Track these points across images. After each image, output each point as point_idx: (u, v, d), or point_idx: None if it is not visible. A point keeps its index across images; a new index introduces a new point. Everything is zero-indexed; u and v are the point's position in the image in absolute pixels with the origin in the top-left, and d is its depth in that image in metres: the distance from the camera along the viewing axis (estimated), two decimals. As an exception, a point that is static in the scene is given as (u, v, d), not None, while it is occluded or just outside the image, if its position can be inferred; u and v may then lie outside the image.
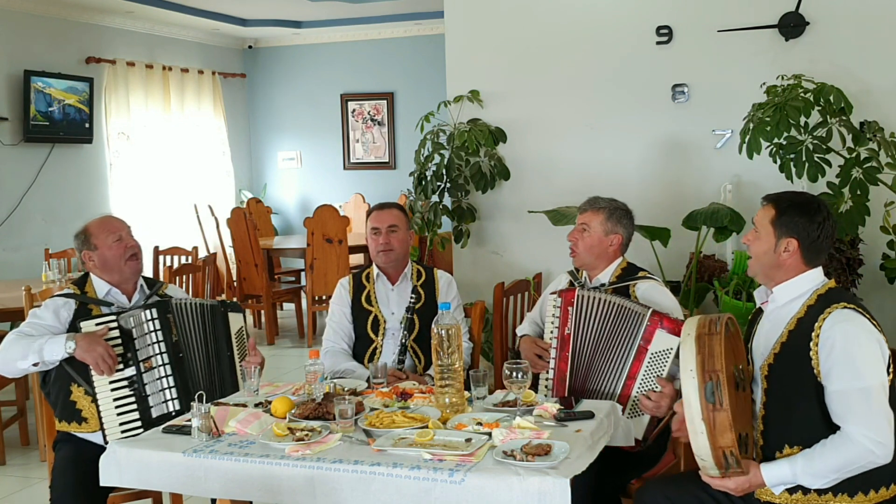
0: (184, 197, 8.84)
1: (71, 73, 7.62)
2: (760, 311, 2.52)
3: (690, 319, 2.27)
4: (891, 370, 2.28)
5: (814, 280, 2.40)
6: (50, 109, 7.34)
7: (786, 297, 2.40)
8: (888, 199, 4.16)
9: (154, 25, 8.68)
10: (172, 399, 2.93)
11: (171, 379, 2.94)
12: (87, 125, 7.73)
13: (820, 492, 2.26)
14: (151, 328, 2.96)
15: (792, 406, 2.32)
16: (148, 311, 2.97)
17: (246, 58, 10.16)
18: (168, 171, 8.80)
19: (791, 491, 2.28)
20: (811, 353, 2.28)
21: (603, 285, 3.16)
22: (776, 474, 2.26)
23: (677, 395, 2.76)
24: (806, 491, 2.27)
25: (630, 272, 3.18)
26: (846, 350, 2.23)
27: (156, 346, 2.96)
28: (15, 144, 7.16)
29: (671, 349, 2.85)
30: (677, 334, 2.82)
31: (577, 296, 3.04)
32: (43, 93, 7.26)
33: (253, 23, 9.33)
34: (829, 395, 2.25)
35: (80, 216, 7.64)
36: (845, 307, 2.30)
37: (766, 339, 2.41)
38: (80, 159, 7.84)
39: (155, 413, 2.91)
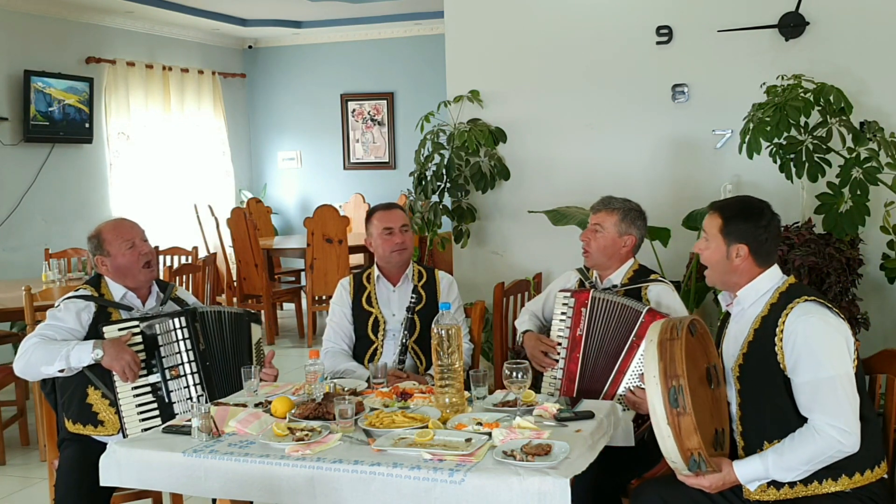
0: (184, 197, 8.84)
1: (71, 73, 7.62)
2: (728, 315, 2.57)
3: (654, 325, 2.32)
4: (855, 359, 2.32)
5: (773, 279, 2.46)
6: (50, 109, 7.34)
7: (750, 299, 2.46)
8: (888, 199, 4.16)
9: (154, 25, 8.68)
10: None
11: (199, 388, 2.96)
12: (87, 125, 7.73)
13: (805, 481, 2.29)
14: (180, 336, 2.98)
15: (765, 403, 2.37)
16: (177, 320, 2.98)
17: (246, 58, 10.16)
18: (168, 171, 8.80)
19: (778, 486, 2.31)
20: (776, 347, 2.33)
21: (615, 286, 3.15)
22: (749, 471, 2.30)
23: None
24: (793, 484, 2.30)
25: (642, 274, 3.18)
26: (808, 342, 2.28)
27: (184, 354, 2.97)
28: (15, 144, 7.16)
29: None
30: None
31: (592, 297, 3.03)
32: (43, 93, 7.26)
33: (253, 23, 9.33)
34: (796, 387, 2.30)
35: (80, 216, 7.67)
36: (807, 300, 2.35)
37: (735, 340, 2.47)
38: (80, 159, 7.84)
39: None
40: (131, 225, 3.20)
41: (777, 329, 2.33)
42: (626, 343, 2.94)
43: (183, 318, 2.99)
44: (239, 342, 3.12)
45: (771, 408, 2.35)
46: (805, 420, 2.28)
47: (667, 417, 2.16)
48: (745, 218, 2.47)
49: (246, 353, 3.13)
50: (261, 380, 3.10)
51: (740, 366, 2.41)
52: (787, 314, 2.33)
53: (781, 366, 2.32)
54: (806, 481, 2.29)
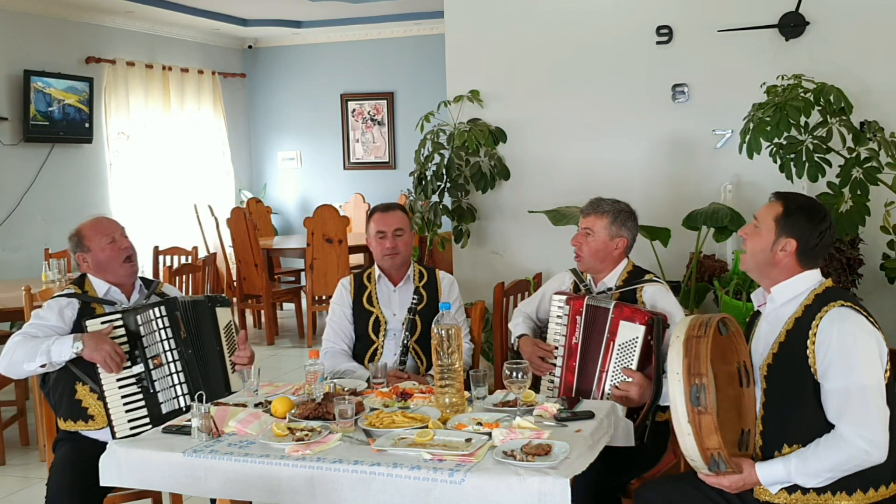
0: (184, 197, 8.84)
1: (71, 73, 7.62)
2: (758, 313, 2.52)
3: (683, 320, 2.28)
4: (888, 369, 2.28)
5: (812, 280, 2.40)
6: (50, 109, 7.34)
7: (784, 298, 2.40)
8: (888, 199, 4.16)
9: (154, 25, 8.68)
10: (183, 395, 2.95)
11: (181, 375, 2.97)
12: (87, 125, 7.73)
13: (818, 490, 2.26)
14: (161, 325, 2.98)
15: (791, 406, 2.32)
16: (157, 309, 2.99)
17: (246, 58, 10.16)
18: (168, 171, 8.80)
19: (790, 490, 2.28)
20: (808, 351, 2.28)
21: (610, 289, 3.14)
22: (771, 473, 2.27)
23: (646, 382, 2.80)
24: (805, 490, 2.27)
25: (636, 275, 3.16)
26: (843, 348, 2.23)
27: (165, 342, 2.98)
28: (15, 144, 7.16)
29: (637, 338, 2.88)
30: (642, 323, 2.87)
31: (586, 305, 3.03)
32: (43, 93, 7.26)
33: (253, 23, 9.33)
34: (825, 393, 2.25)
35: (80, 216, 7.55)
36: (843, 305, 2.29)
37: (765, 340, 2.42)
38: (80, 159, 7.85)
39: (165, 409, 2.93)
40: (110, 221, 3.21)
41: (810, 332, 2.28)
42: (602, 341, 2.95)
43: (163, 308, 3.00)
44: (203, 327, 3.10)
45: (796, 411, 2.31)
46: (830, 427, 2.24)
47: (688, 415, 2.13)
48: (806, 216, 2.39)
49: (213, 338, 3.10)
50: (233, 364, 3.09)
51: (769, 365, 2.36)
52: (821, 317, 2.28)
53: (812, 370, 2.27)
54: (819, 491, 2.26)
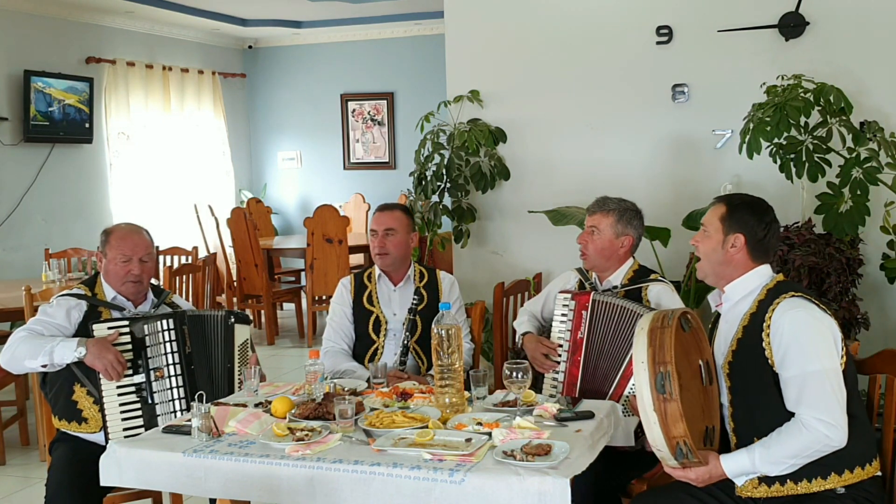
0: (184, 197, 8.85)
1: (71, 73, 7.62)
2: (718, 315, 2.56)
3: (645, 316, 2.32)
4: (843, 355, 2.32)
5: (763, 276, 2.46)
6: (50, 109, 7.34)
7: (738, 295, 2.46)
8: (888, 199, 4.16)
9: (154, 25, 8.68)
10: (182, 409, 2.95)
11: (182, 390, 2.97)
12: (87, 125, 7.73)
13: (795, 479, 2.28)
14: (167, 338, 2.99)
15: (755, 399, 2.36)
16: (165, 321, 2.99)
17: (246, 58, 10.16)
18: (168, 171, 8.80)
19: (769, 483, 2.30)
20: (764, 343, 2.32)
21: (615, 287, 3.14)
22: (735, 464, 2.29)
23: None
24: (783, 481, 2.29)
25: (642, 274, 3.17)
26: (796, 335, 2.28)
27: (170, 356, 2.98)
28: (15, 144, 7.16)
29: None
30: None
31: (592, 300, 3.02)
32: (43, 93, 7.26)
33: (253, 23, 9.33)
34: (783, 382, 2.30)
35: (80, 216, 7.67)
36: (793, 296, 2.35)
37: (725, 338, 2.46)
38: (80, 159, 7.84)
39: (161, 421, 2.93)
40: (138, 242, 3.14)
41: (764, 324, 2.33)
42: (629, 347, 2.93)
43: (171, 321, 3.01)
44: (227, 347, 3.11)
45: (761, 404, 2.35)
46: (792, 415, 2.28)
47: (653, 404, 2.16)
48: (749, 210, 2.47)
49: (225, 355, 3.10)
50: (241, 382, 3.08)
51: (730, 363, 2.41)
52: (773, 309, 2.33)
53: (770, 361, 2.31)
54: (796, 479, 2.28)
